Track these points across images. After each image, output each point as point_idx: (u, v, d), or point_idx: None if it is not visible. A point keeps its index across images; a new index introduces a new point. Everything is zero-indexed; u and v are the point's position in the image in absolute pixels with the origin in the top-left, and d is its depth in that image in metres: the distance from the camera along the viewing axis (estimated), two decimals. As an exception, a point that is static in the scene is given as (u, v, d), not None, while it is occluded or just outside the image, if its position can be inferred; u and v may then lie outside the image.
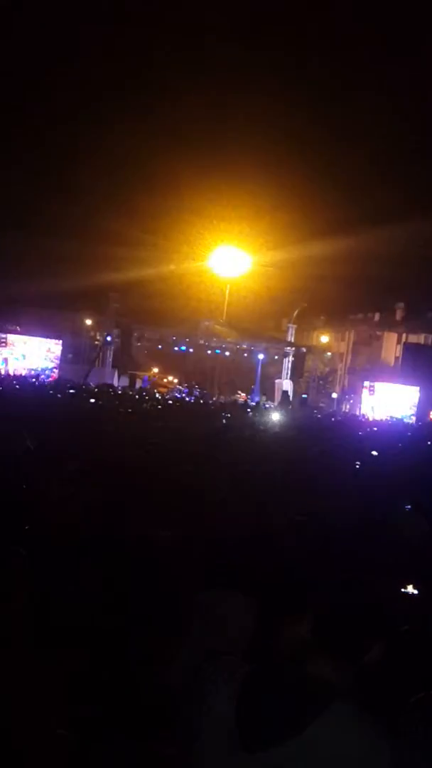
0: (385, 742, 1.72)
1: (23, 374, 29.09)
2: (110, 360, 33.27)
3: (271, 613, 2.89)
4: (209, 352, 34.41)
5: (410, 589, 3.79)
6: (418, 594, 3.75)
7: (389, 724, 1.74)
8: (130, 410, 17.79)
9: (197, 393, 30.54)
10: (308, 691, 1.76)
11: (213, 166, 43.82)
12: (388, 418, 27.50)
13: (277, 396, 31.92)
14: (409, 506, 6.45)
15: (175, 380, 35.27)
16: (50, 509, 5.03)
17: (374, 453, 12.27)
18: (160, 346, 34.76)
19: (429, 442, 17.05)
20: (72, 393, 20.86)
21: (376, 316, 49.39)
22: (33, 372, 30.19)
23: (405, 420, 28.33)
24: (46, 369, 31.31)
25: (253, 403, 27.47)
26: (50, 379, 29.51)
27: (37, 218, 35.22)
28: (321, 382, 39.61)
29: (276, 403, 29.45)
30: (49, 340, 32.54)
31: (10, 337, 32.20)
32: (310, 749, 1.69)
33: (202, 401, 26.80)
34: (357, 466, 10.17)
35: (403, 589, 3.74)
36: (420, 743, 2.12)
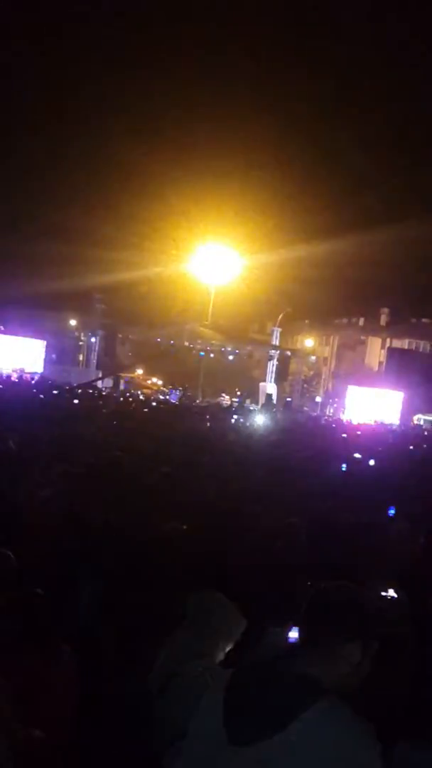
0: (372, 740, 1.74)
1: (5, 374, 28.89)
2: (94, 361, 33.16)
3: (257, 621, 2.91)
4: (193, 353, 34.39)
5: (392, 592, 3.82)
6: (400, 596, 3.78)
7: (376, 721, 1.76)
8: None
9: (180, 395, 30.51)
10: (295, 688, 1.78)
11: (199, 171, 43.91)
12: (377, 422, 27.61)
13: (261, 399, 31.96)
14: (392, 511, 6.50)
15: (159, 382, 35.22)
16: (35, 512, 5.02)
17: (357, 456, 12.34)
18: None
19: (411, 447, 17.18)
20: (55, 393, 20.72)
21: (361, 321, 49.72)
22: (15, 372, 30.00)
23: (388, 425, 28.46)
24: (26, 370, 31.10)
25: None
26: (29, 377, 29.31)
27: (22, 220, 35.07)
28: (305, 385, 39.71)
29: (260, 406, 29.49)
30: (32, 340, 32.39)
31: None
32: (297, 745, 1.71)
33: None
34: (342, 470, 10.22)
35: (385, 592, 3.78)
36: (420, 744, 2.16)
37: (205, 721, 1.89)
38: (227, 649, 2.75)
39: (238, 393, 32.89)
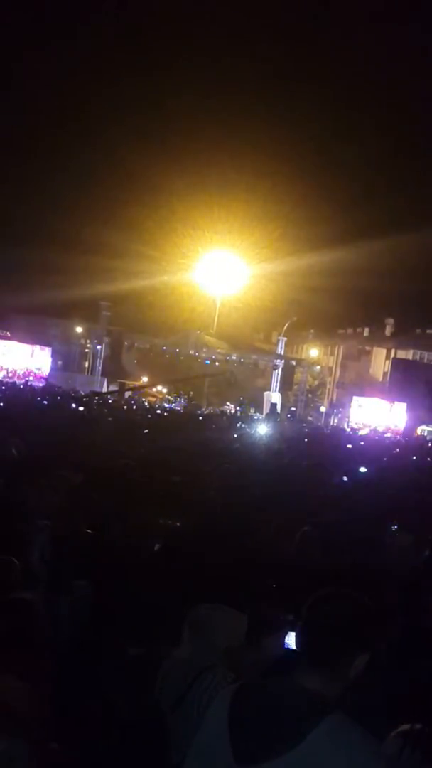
0: (378, 755, 1.74)
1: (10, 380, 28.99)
2: (99, 368, 33.22)
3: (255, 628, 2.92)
4: (199, 362, 34.39)
5: (393, 605, 3.84)
6: (400, 608, 3.80)
7: (381, 736, 1.76)
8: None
9: (185, 403, 30.52)
10: (300, 705, 1.77)
11: (206, 180, 44.13)
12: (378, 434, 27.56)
13: (266, 408, 31.94)
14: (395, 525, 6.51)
15: (164, 390, 35.19)
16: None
17: (363, 470, 12.31)
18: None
19: (414, 457, 17.14)
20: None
21: (366, 331, 49.74)
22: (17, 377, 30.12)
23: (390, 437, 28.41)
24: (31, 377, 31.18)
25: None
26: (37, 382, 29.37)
27: (30, 229, 35.30)
28: (309, 395, 39.69)
29: (264, 415, 29.46)
30: (37, 346, 32.52)
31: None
32: (303, 764, 1.69)
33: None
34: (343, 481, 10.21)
35: (386, 605, 3.80)
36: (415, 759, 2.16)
37: (210, 739, 1.86)
38: (232, 659, 2.74)
39: (242, 400, 32.87)
